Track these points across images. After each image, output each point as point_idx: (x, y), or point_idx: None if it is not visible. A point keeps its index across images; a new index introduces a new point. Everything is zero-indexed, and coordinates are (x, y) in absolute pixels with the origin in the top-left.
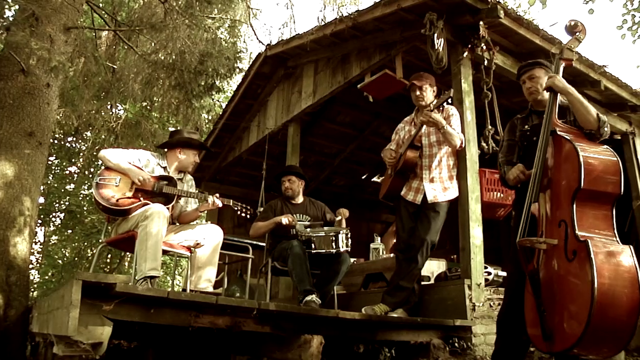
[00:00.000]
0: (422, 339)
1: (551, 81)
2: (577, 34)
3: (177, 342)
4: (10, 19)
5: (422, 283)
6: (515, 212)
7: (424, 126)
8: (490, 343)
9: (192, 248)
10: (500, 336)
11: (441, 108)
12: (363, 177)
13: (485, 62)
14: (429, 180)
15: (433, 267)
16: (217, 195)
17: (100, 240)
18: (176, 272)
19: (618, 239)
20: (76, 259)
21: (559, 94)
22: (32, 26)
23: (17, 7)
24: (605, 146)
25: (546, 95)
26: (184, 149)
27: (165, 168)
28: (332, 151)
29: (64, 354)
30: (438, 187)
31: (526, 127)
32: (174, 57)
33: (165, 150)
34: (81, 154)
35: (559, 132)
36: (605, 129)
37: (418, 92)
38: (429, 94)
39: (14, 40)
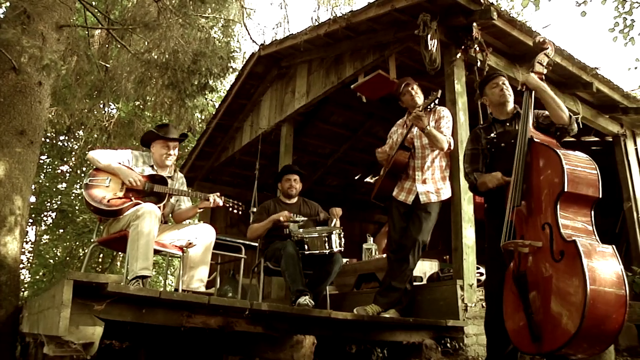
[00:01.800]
0: (414, 339)
1: (525, 78)
2: (545, 49)
3: (169, 342)
4: (1, 16)
5: (414, 283)
6: (488, 219)
7: (415, 128)
8: (482, 344)
9: (184, 248)
10: (491, 342)
11: (431, 109)
12: (356, 178)
13: (479, 64)
14: (421, 182)
15: (425, 268)
16: (218, 194)
17: (92, 240)
18: (168, 272)
19: (598, 238)
20: (67, 258)
21: (533, 96)
22: (23, 24)
23: (7, 4)
24: (582, 153)
25: (510, 103)
26: (155, 143)
27: (153, 166)
28: (326, 151)
29: (55, 354)
30: (430, 188)
31: (492, 135)
32: (167, 56)
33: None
34: (73, 153)
35: (536, 140)
36: (575, 125)
37: (405, 97)
38: (415, 96)
39: (5, 38)
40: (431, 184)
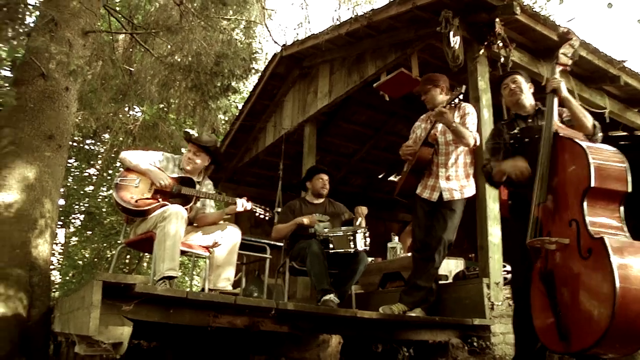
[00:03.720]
0: (440, 338)
1: (557, 84)
2: (570, 40)
3: (196, 342)
4: (31, 24)
5: (440, 282)
6: (513, 216)
7: (439, 124)
8: (510, 342)
9: (210, 248)
10: (519, 341)
11: (456, 105)
12: (379, 177)
13: (502, 60)
14: (445, 179)
15: (451, 266)
16: (246, 198)
17: (119, 242)
18: (194, 273)
19: (629, 235)
20: (96, 259)
21: (556, 98)
22: (51, 31)
23: (37, 13)
24: (610, 146)
25: (525, 100)
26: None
27: (182, 169)
28: (349, 151)
29: (86, 354)
30: (455, 185)
31: (515, 130)
32: (190, 58)
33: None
34: (99, 156)
35: (561, 134)
36: (600, 134)
37: (424, 97)
38: (436, 95)
39: (34, 46)
40: (455, 181)
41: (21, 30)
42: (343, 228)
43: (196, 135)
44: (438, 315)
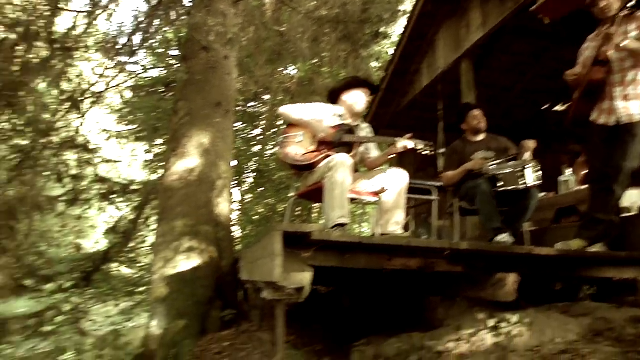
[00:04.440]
0: (627, 275)
1: None
2: None
3: (371, 286)
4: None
5: (622, 215)
6: None
7: (612, 39)
8: None
9: (378, 194)
10: None
11: (630, 15)
12: (544, 108)
13: None
14: (622, 98)
15: (634, 197)
16: (409, 135)
17: (289, 195)
18: (363, 219)
19: None
20: (269, 214)
21: None
22: (207, 6)
23: None
24: None
25: None
26: (346, 92)
27: (341, 116)
28: (508, 84)
29: (272, 298)
30: (634, 105)
31: None
32: (336, 10)
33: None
34: (262, 117)
35: None
36: None
37: (604, 3)
38: (613, 2)
39: (195, 22)
40: (635, 100)
41: (182, 11)
42: (511, 164)
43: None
44: (621, 250)
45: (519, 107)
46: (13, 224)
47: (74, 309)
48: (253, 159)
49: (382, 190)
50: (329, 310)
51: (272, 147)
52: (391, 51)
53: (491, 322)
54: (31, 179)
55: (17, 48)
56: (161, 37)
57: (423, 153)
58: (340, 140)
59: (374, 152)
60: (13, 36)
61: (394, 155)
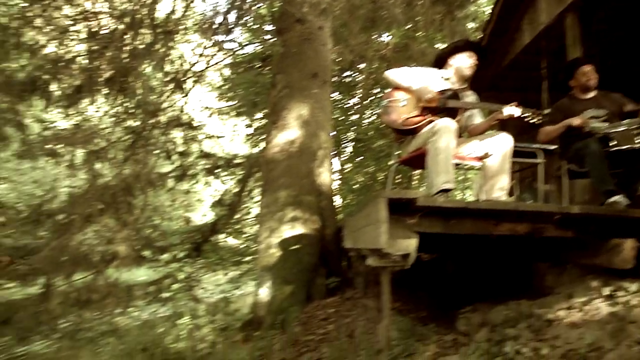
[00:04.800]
0: None
1: None
2: None
3: (476, 252)
4: None
5: None
6: None
7: None
8: None
9: (482, 159)
10: None
11: None
12: None
13: None
14: None
15: None
16: (516, 103)
17: (389, 163)
18: (464, 186)
19: None
20: (369, 182)
21: None
22: None
23: None
24: None
25: None
26: (453, 55)
27: (448, 80)
28: (621, 36)
29: (377, 265)
30: None
31: None
32: None
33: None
34: (358, 86)
35: None
36: None
37: None
38: None
39: None
40: None
41: None
42: (625, 122)
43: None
44: None
45: (634, 60)
46: (130, 200)
47: (187, 278)
48: (351, 129)
49: (486, 155)
50: (433, 277)
51: (370, 115)
52: (488, 10)
53: (606, 291)
54: (143, 157)
55: (125, 36)
56: (255, 13)
57: (530, 121)
58: (444, 105)
59: (477, 118)
60: (121, 26)
61: (496, 122)
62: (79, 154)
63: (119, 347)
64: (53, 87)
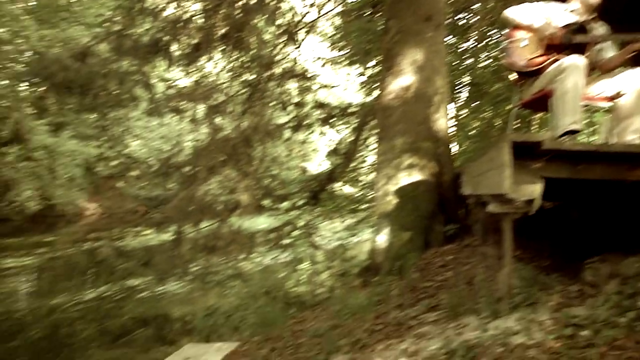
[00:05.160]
0: None
1: None
2: None
3: (604, 199)
4: None
5: None
6: None
7: None
8: None
9: (613, 98)
10: None
11: None
12: None
13: None
14: None
15: None
16: None
17: (508, 107)
18: (589, 129)
19: None
20: (486, 128)
21: None
22: None
23: None
24: None
25: None
26: None
27: (573, 12)
28: None
29: (499, 211)
30: None
31: None
32: None
33: None
34: (473, 28)
35: None
36: None
37: None
38: None
39: None
40: None
41: None
42: None
43: None
44: None
45: None
46: (249, 151)
47: (306, 225)
48: (466, 73)
49: (619, 95)
50: (556, 225)
51: (485, 58)
52: None
53: None
54: (260, 109)
55: None
56: None
57: None
58: (571, 42)
59: (609, 52)
60: None
61: (632, 54)
62: (200, 109)
63: (244, 290)
64: (173, 47)
